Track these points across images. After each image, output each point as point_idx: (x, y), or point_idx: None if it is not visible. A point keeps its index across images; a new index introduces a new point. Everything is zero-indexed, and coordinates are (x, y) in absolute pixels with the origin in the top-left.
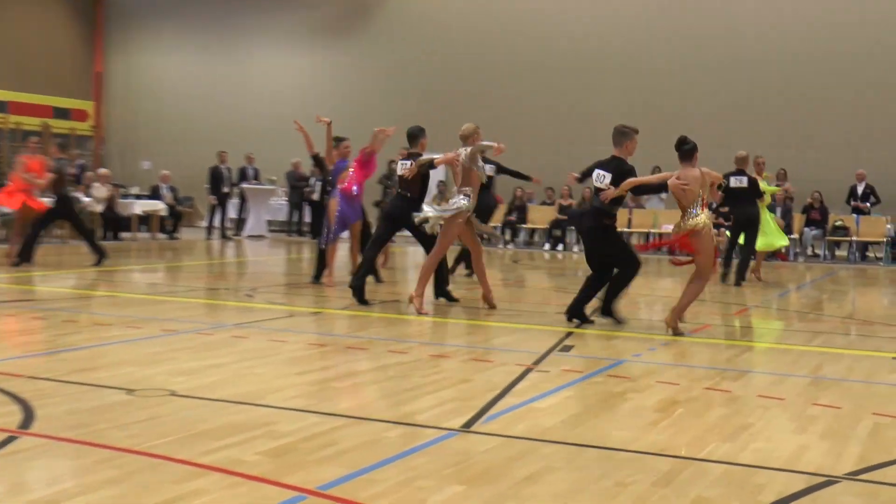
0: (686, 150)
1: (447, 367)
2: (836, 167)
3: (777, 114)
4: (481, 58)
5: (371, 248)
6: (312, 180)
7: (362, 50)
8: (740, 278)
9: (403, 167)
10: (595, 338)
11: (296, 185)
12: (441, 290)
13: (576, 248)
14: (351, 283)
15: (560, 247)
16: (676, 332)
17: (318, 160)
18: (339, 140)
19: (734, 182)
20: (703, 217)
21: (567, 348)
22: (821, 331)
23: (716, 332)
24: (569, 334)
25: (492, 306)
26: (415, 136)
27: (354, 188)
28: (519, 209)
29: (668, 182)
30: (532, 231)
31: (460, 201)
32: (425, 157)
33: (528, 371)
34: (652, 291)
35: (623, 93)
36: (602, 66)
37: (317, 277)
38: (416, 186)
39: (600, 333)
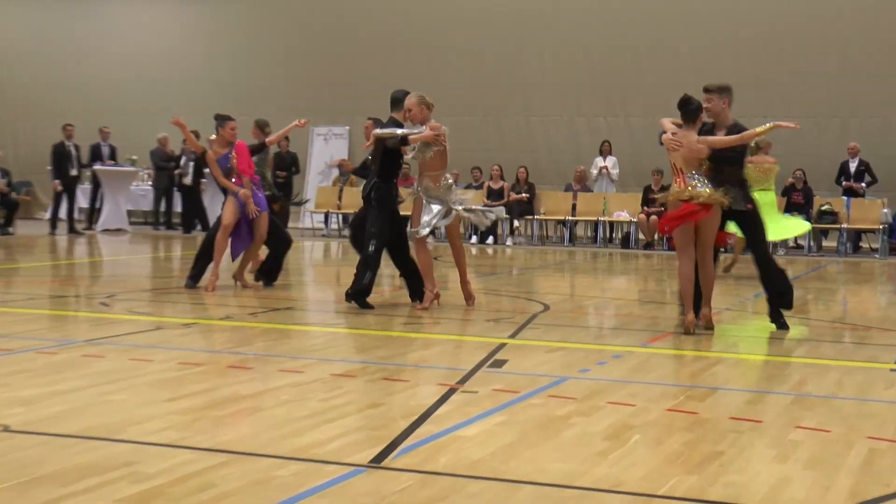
0: (689, 111)
1: (352, 389)
2: (823, 140)
3: (753, 77)
4: (385, 13)
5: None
6: (184, 160)
7: (242, 5)
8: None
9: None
10: (532, 350)
11: (163, 167)
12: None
13: (509, 241)
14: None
15: (490, 239)
16: (710, 326)
17: (202, 161)
18: (223, 120)
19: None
20: (709, 191)
21: (499, 363)
22: (805, 338)
23: (679, 340)
24: (501, 346)
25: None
26: (398, 100)
27: (243, 181)
28: None
29: (662, 136)
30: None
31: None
32: (390, 129)
33: (451, 392)
34: (602, 293)
35: (555, 57)
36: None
37: (193, 279)
38: (375, 157)
39: (539, 344)
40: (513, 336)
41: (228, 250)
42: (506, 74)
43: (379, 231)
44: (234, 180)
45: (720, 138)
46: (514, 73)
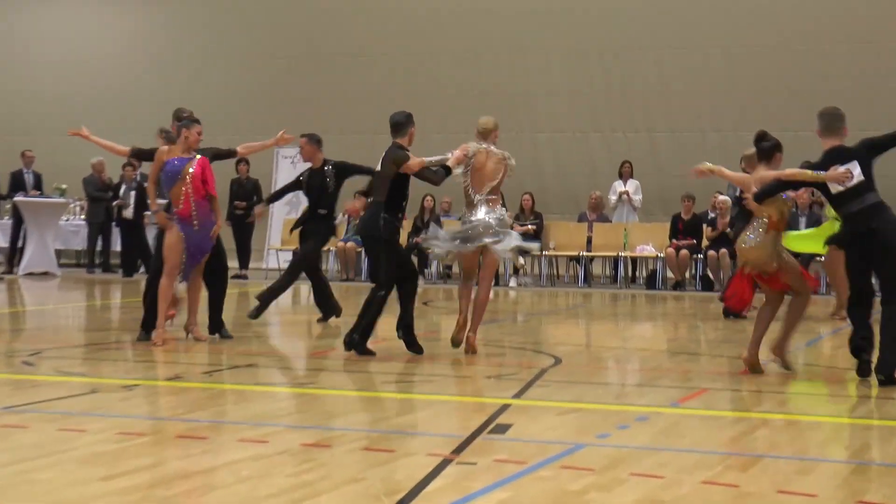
0: (765, 148)
1: (328, 462)
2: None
3: (764, 87)
4: (363, 16)
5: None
6: (123, 189)
7: (196, 9)
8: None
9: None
10: (541, 412)
11: (98, 197)
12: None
13: (513, 282)
14: (347, 339)
15: (513, 281)
16: (786, 366)
17: (141, 155)
18: (189, 122)
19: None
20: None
21: (501, 428)
22: (867, 395)
23: (715, 398)
24: (504, 408)
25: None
26: (401, 124)
27: (193, 203)
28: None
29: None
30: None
31: (504, 214)
32: (424, 157)
33: (444, 463)
34: (624, 342)
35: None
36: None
37: (145, 329)
38: (383, 187)
39: (549, 405)
40: (518, 395)
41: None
42: (506, 84)
43: (392, 273)
44: (182, 200)
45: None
46: (515, 81)
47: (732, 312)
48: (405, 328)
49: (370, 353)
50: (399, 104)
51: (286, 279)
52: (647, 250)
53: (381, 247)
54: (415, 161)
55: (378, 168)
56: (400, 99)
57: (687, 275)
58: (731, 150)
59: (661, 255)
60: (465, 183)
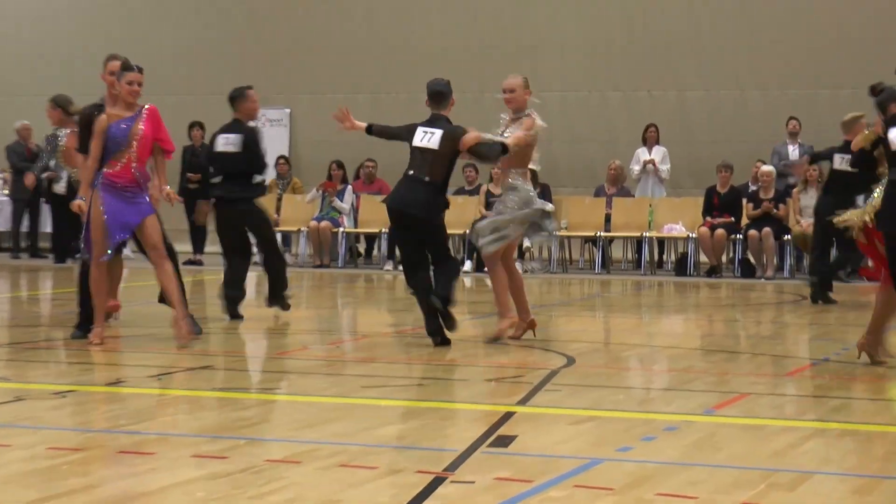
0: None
1: (297, 481)
2: None
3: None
4: None
5: (416, 275)
6: (55, 161)
7: None
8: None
9: (424, 136)
10: (551, 421)
11: (25, 168)
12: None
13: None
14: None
15: (468, 265)
16: (876, 361)
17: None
18: (124, 70)
19: (839, 162)
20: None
21: (504, 441)
22: None
23: (757, 404)
24: (507, 416)
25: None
26: (443, 94)
27: (134, 169)
28: None
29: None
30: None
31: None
32: (488, 136)
33: (436, 482)
34: (649, 339)
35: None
36: None
37: (82, 327)
38: (441, 167)
39: (560, 413)
40: (524, 402)
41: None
42: (509, 34)
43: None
44: (120, 165)
45: None
46: (520, 31)
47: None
48: (443, 300)
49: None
50: (381, 60)
51: (279, 260)
52: (677, 230)
53: (435, 232)
54: (471, 135)
55: (419, 144)
56: (382, 54)
57: (724, 259)
58: (776, 112)
59: (693, 235)
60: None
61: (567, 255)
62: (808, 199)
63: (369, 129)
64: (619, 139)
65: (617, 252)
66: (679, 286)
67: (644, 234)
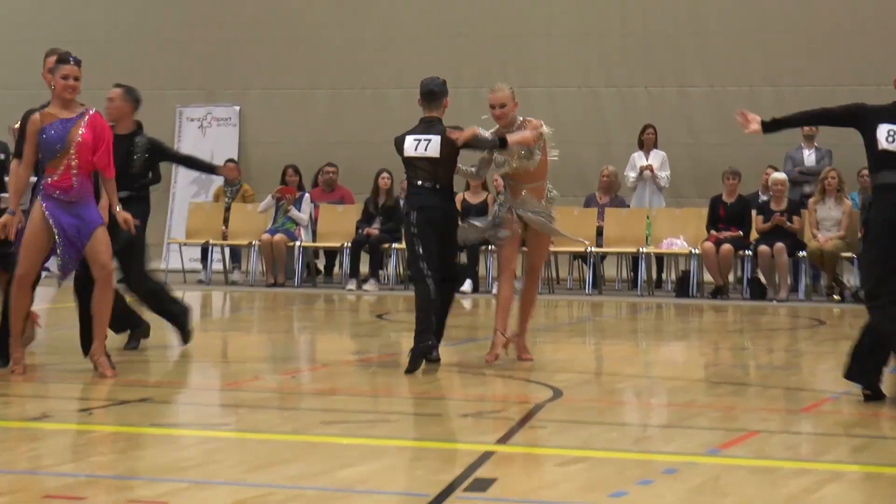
0: None
1: None
2: None
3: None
4: None
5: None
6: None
7: None
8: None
9: (419, 144)
10: (536, 462)
11: None
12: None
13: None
14: (418, 348)
15: (468, 285)
16: None
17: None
18: (61, 62)
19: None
20: None
21: (482, 484)
22: None
23: (768, 443)
24: (485, 456)
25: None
26: (434, 94)
27: (75, 178)
28: (388, 212)
29: None
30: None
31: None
32: (484, 132)
33: None
34: (645, 369)
35: None
36: None
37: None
38: (447, 172)
39: (546, 453)
40: (504, 440)
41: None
42: (490, 23)
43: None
44: (58, 173)
45: None
46: (503, 20)
47: None
48: (436, 336)
49: (438, 359)
50: (342, 51)
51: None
52: (678, 245)
53: (452, 238)
54: (468, 131)
55: (414, 154)
56: (344, 44)
57: (730, 278)
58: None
59: (696, 251)
60: (531, 166)
61: (553, 274)
62: (826, 209)
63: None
64: (613, 141)
65: (610, 270)
66: (680, 309)
67: (640, 249)
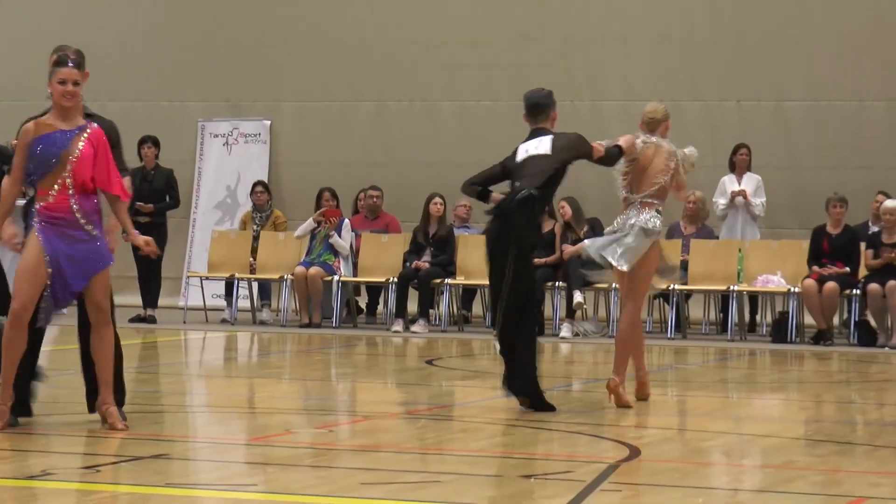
0: None
1: None
2: None
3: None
4: None
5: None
6: None
7: None
8: None
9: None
10: None
11: None
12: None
13: (565, 329)
14: (521, 388)
15: (567, 329)
16: None
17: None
18: (59, 63)
19: None
20: None
21: None
22: None
23: None
24: None
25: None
26: (540, 106)
27: (74, 200)
28: (440, 243)
29: None
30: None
31: (652, 219)
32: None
33: None
34: (736, 424)
35: None
36: None
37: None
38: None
39: None
40: None
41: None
42: (558, 27)
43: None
44: (53, 194)
45: None
46: (571, 23)
47: None
48: (528, 379)
49: (550, 406)
50: (388, 59)
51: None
52: (774, 282)
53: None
54: (599, 145)
55: (523, 157)
56: (390, 52)
57: (835, 320)
58: None
59: (796, 289)
60: (624, 181)
61: None
62: None
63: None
64: (700, 164)
65: (696, 311)
66: (776, 356)
67: (731, 287)
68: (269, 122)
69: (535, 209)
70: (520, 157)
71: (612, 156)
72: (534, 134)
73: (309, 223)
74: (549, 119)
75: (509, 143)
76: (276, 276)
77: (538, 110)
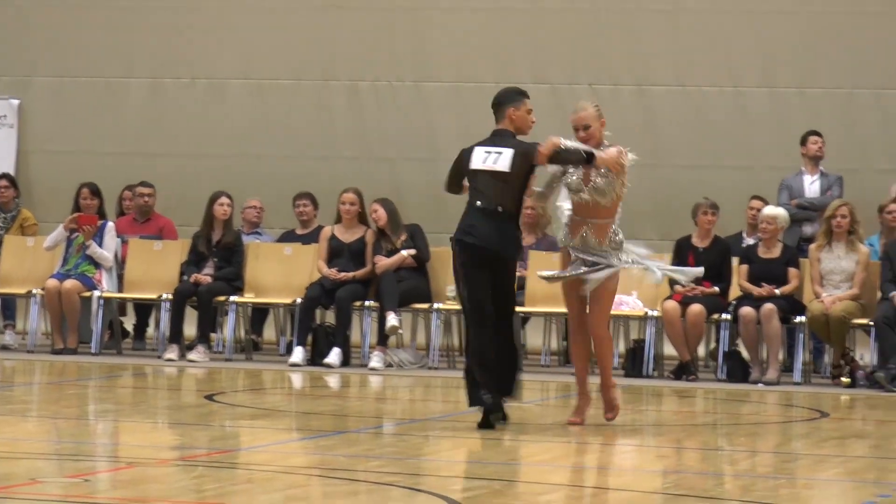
0: None
1: None
2: None
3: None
4: None
5: (482, 331)
6: None
7: None
8: None
9: (489, 158)
10: None
11: None
12: None
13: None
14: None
15: (336, 356)
16: None
17: None
18: None
19: None
20: None
21: None
22: None
23: None
24: None
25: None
26: (498, 103)
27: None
28: (226, 253)
29: None
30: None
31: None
32: (569, 143)
33: None
34: (578, 477)
35: None
36: None
37: None
38: (513, 195)
39: None
40: None
41: None
42: None
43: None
44: None
45: None
46: None
47: None
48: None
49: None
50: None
51: None
52: (629, 304)
53: (512, 274)
54: (549, 143)
55: (477, 167)
56: (167, 24)
57: (700, 350)
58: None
59: (654, 312)
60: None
61: (453, 342)
62: (833, 259)
63: None
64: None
65: (535, 338)
66: (630, 392)
67: None
68: (17, 102)
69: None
70: (476, 160)
71: (571, 157)
72: (494, 136)
73: (59, 232)
74: (505, 118)
75: (313, 128)
76: (22, 291)
77: (495, 108)
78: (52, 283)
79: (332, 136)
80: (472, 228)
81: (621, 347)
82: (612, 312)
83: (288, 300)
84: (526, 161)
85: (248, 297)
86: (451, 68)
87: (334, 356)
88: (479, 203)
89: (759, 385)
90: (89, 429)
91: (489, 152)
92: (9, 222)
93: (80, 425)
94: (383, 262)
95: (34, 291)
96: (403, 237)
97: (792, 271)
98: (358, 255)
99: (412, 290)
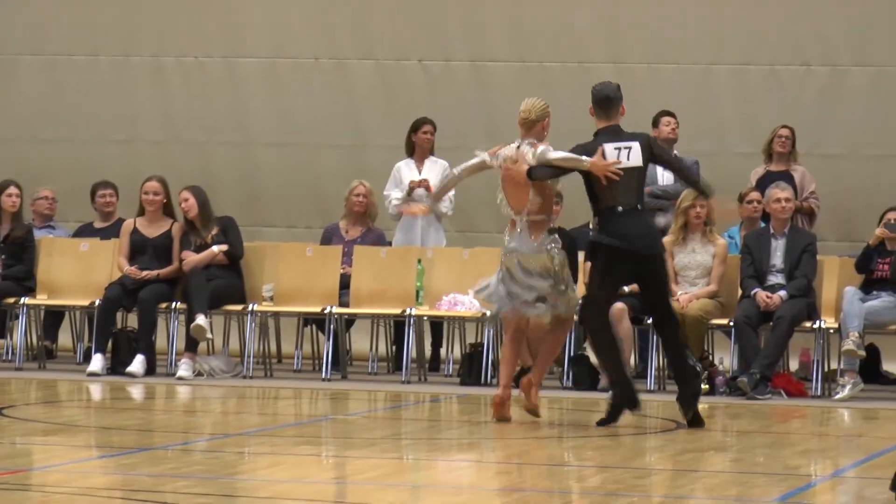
0: None
1: None
2: None
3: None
4: None
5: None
6: None
7: None
8: None
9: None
10: None
11: None
12: None
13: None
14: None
15: (140, 364)
16: None
17: None
18: None
19: None
20: None
21: None
22: None
23: None
24: None
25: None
26: (610, 100)
27: None
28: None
29: None
30: None
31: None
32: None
33: None
34: (411, 497)
35: None
36: None
37: None
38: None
39: None
40: None
41: None
42: None
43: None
44: None
45: None
46: None
47: None
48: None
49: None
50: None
51: None
52: (466, 305)
53: (662, 267)
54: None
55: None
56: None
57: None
58: None
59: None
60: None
61: (271, 348)
62: (688, 253)
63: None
64: (372, 144)
65: (360, 342)
66: (467, 402)
67: (408, 311)
68: None
69: None
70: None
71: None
72: (614, 131)
73: None
74: (618, 115)
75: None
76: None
77: (608, 104)
78: None
79: (134, 117)
80: (627, 233)
81: (457, 353)
82: (447, 313)
83: (85, 302)
84: (651, 153)
85: (41, 299)
86: (265, 43)
87: (138, 364)
88: (619, 208)
89: (609, 393)
90: None
91: (618, 148)
92: None
93: None
94: (191, 259)
95: None
96: (214, 231)
97: None
98: (163, 251)
99: (224, 289)
